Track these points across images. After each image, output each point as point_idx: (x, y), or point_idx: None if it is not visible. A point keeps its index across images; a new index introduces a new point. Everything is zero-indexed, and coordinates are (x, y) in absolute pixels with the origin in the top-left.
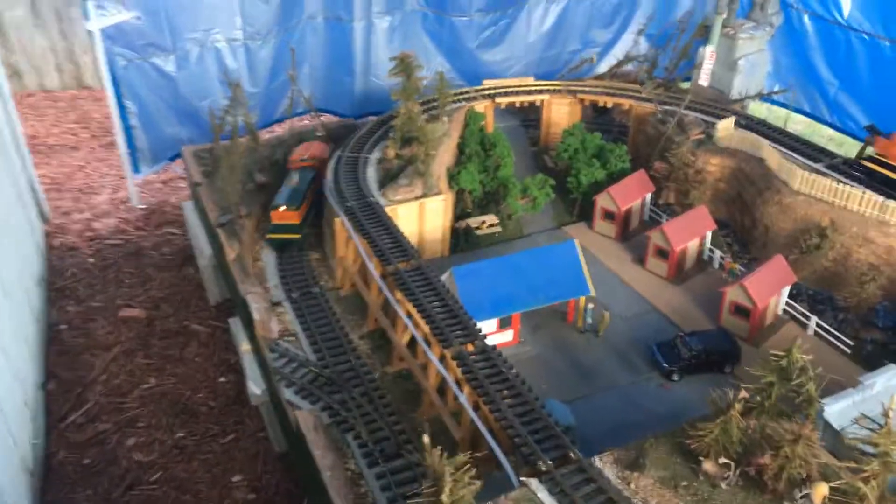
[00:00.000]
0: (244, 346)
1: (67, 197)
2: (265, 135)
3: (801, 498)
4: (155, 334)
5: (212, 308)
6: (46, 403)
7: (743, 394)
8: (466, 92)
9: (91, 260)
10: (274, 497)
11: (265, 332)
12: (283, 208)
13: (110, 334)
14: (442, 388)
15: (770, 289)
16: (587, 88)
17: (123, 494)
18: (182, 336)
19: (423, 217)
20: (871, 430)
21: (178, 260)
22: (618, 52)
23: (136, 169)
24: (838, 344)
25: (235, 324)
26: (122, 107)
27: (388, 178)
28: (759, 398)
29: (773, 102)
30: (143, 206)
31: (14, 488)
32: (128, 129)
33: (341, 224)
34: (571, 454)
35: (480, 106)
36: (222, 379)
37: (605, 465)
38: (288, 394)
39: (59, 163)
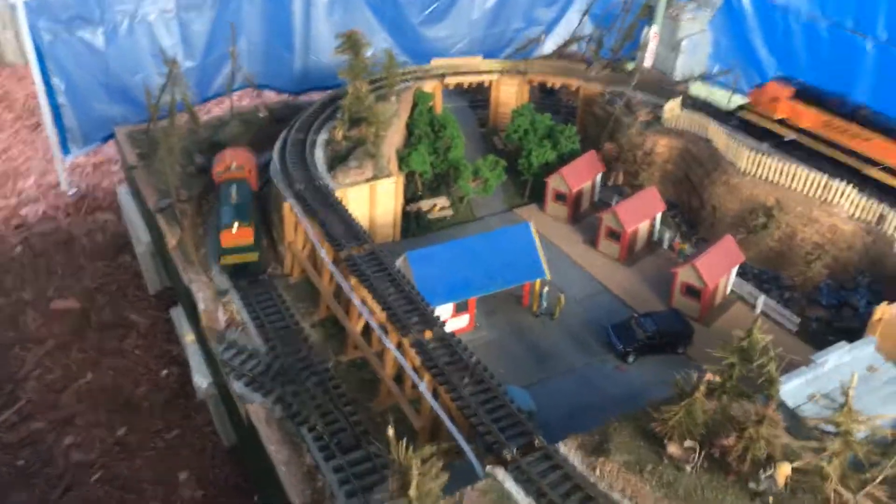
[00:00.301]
0: (188, 337)
1: None
2: (204, 115)
3: (766, 478)
4: (90, 326)
5: (151, 297)
6: None
7: (709, 376)
8: (414, 71)
9: (18, 249)
10: (223, 493)
11: (211, 322)
12: (235, 227)
13: (42, 327)
14: (399, 377)
15: (720, 269)
16: (535, 69)
17: (62, 496)
18: (120, 327)
19: (374, 200)
20: (831, 409)
21: (112, 247)
22: (563, 32)
23: (65, 150)
24: (785, 322)
25: (178, 314)
26: (48, 84)
27: (337, 160)
28: (720, 379)
29: (717, 83)
30: (74, 191)
31: None
32: (55, 108)
33: (290, 209)
34: (536, 441)
35: (429, 86)
36: (165, 372)
37: (570, 451)
38: (238, 386)
39: None
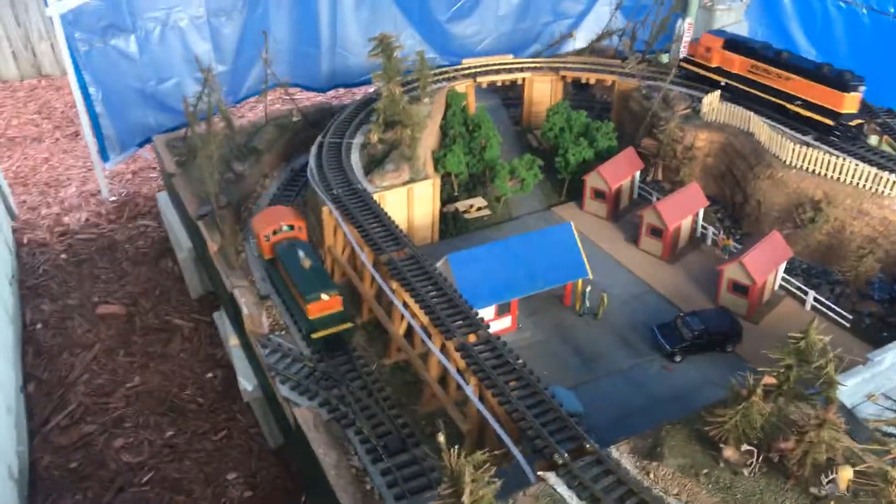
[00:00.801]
0: (232, 341)
1: (34, 191)
2: (237, 120)
3: (828, 483)
4: (135, 331)
5: (193, 302)
6: (27, 407)
7: (767, 379)
8: (446, 72)
9: (63, 256)
10: (271, 493)
11: (255, 326)
12: (324, 297)
13: (89, 332)
14: (444, 379)
15: (768, 265)
16: (569, 65)
17: (114, 498)
18: (164, 332)
19: (411, 202)
20: (892, 409)
21: (154, 253)
22: (594, 26)
23: (104, 157)
24: (836, 318)
25: (221, 318)
26: (85, 93)
27: (374, 163)
28: (776, 382)
29: None
30: (114, 199)
31: (1, 498)
32: (94, 117)
33: (329, 213)
34: (587, 445)
35: (461, 86)
36: (209, 375)
37: (622, 456)
38: (284, 390)
39: (22, 156)
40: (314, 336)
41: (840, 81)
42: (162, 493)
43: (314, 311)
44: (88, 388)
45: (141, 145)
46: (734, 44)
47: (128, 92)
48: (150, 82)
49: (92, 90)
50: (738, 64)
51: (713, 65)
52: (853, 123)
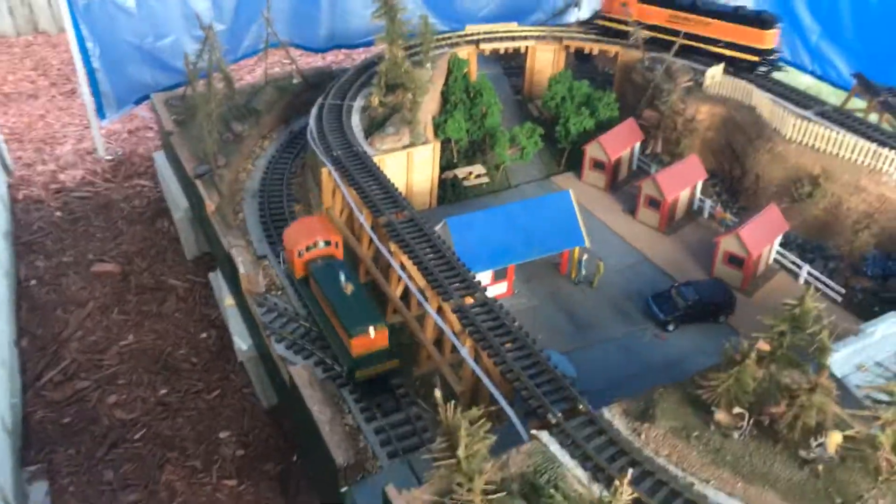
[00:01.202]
0: (228, 301)
1: (29, 148)
2: (238, 82)
3: (817, 446)
4: (130, 289)
5: (189, 262)
6: (21, 362)
7: (762, 344)
8: (449, 37)
9: (58, 213)
10: (263, 453)
11: (252, 286)
12: (371, 332)
13: (83, 290)
14: (439, 341)
15: (764, 238)
16: (573, 35)
17: (107, 453)
18: (159, 291)
19: (410, 167)
20: (882, 378)
21: (150, 213)
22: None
23: (101, 114)
24: (829, 292)
25: (216, 278)
26: (83, 49)
27: (374, 126)
28: (770, 347)
29: None
30: (110, 157)
31: None
32: (91, 73)
33: (328, 174)
34: (580, 406)
35: (464, 52)
36: (203, 335)
37: (615, 417)
38: (279, 349)
39: (18, 111)
40: (358, 376)
41: (760, 20)
42: (154, 450)
43: (359, 347)
44: (82, 345)
45: (138, 103)
46: None
47: (125, 48)
48: (148, 39)
49: (90, 45)
50: (656, 15)
51: (633, 19)
52: (773, 58)
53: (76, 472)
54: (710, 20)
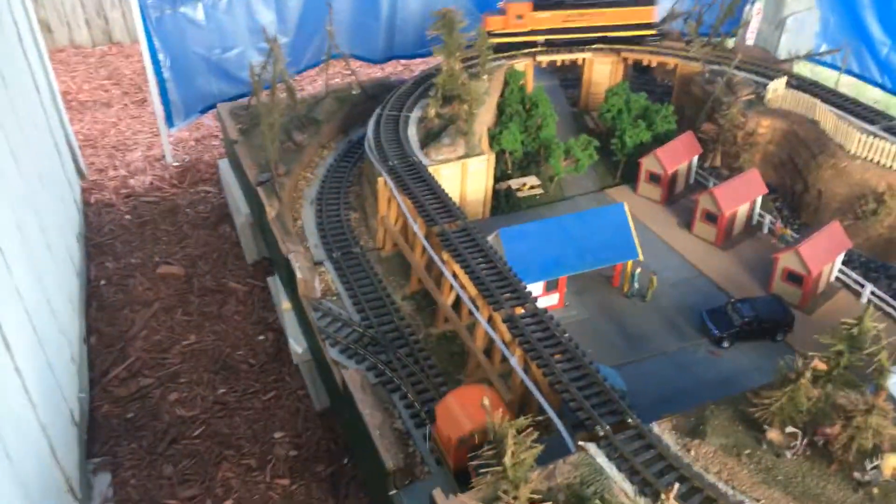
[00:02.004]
0: (284, 305)
1: (102, 154)
2: (300, 93)
3: (872, 469)
4: (193, 291)
5: (249, 266)
6: (89, 358)
7: (817, 363)
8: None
9: (128, 217)
10: (315, 454)
11: (308, 291)
12: None
13: (149, 290)
14: (489, 350)
15: (825, 255)
16: (631, 47)
17: (167, 448)
18: (220, 294)
19: (465, 177)
20: None
21: (213, 218)
22: (659, 9)
23: (170, 123)
24: (893, 313)
25: (275, 283)
26: (155, 60)
27: (430, 137)
28: (826, 367)
29: (822, 63)
30: (178, 164)
31: (64, 441)
32: (162, 83)
33: (384, 183)
34: (629, 419)
35: (520, 64)
36: (261, 337)
37: (664, 432)
38: (333, 353)
39: (92, 119)
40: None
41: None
42: (212, 447)
43: None
44: (147, 344)
45: (204, 112)
46: (543, 3)
47: (194, 59)
48: (216, 50)
49: (161, 56)
50: (552, 19)
51: (529, 29)
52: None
53: (138, 465)
54: (601, 10)
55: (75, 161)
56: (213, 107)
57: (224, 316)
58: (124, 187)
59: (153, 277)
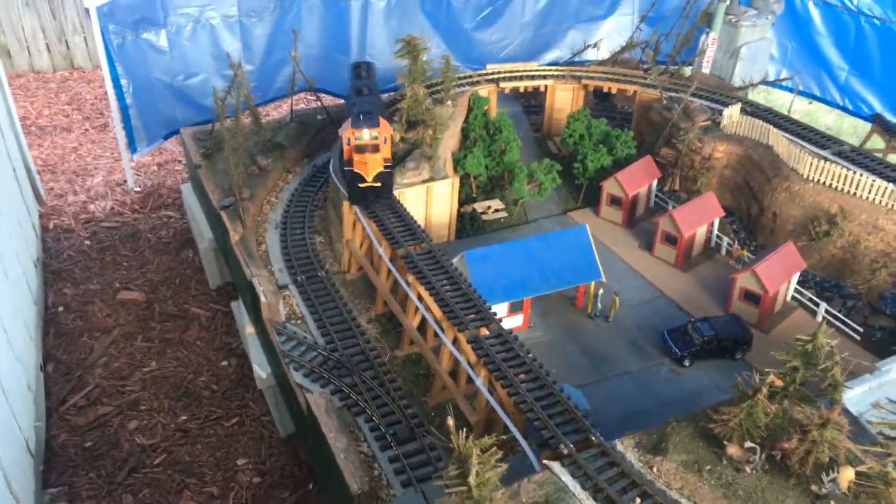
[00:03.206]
0: (248, 330)
1: (61, 179)
2: (265, 117)
3: (829, 482)
4: (154, 317)
5: (212, 292)
6: (46, 386)
7: (772, 378)
8: (469, 76)
9: (87, 242)
10: (280, 480)
11: (272, 315)
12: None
13: (109, 317)
14: (454, 372)
15: (780, 275)
16: (591, 74)
17: (126, 477)
18: (182, 319)
19: (429, 201)
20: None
21: (176, 243)
22: (617, 37)
23: (132, 148)
24: (847, 330)
25: (238, 307)
26: (117, 85)
27: (395, 161)
28: (782, 383)
29: (780, 87)
30: (139, 189)
31: (19, 471)
32: (124, 108)
33: (349, 207)
34: (593, 438)
35: (484, 90)
36: (224, 363)
37: (627, 449)
38: (297, 377)
39: (52, 144)
40: None
41: None
42: (173, 475)
43: None
44: (106, 371)
45: (167, 138)
46: None
47: (157, 85)
48: (179, 77)
49: (123, 82)
50: None
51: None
52: None
53: (96, 495)
54: None
55: (34, 186)
56: (176, 133)
57: (186, 342)
58: (84, 213)
59: (113, 304)
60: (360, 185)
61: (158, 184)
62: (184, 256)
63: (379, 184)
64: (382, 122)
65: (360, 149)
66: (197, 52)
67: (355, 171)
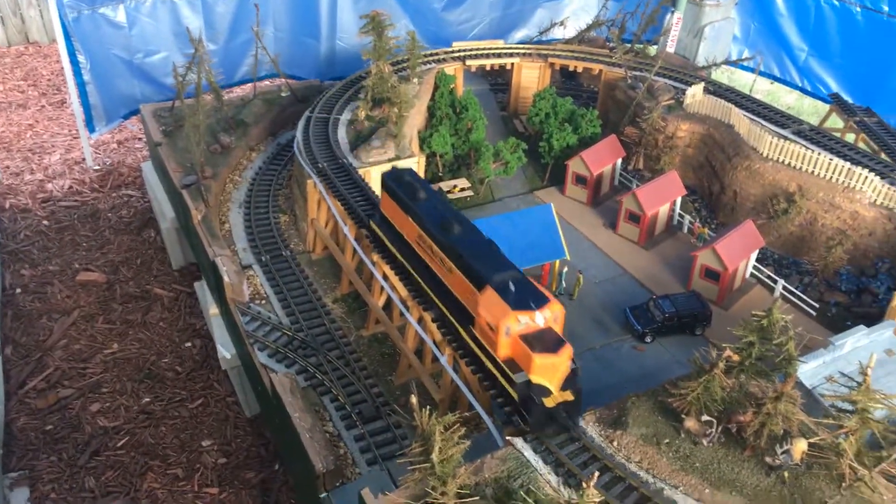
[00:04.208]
0: (212, 310)
1: (17, 157)
2: (227, 95)
3: (782, 453)
4: (115, 299)
5: (174, 272)
6: (4, 370)
7: (728, 353)
8: (436, 54)
9: (45, 222)
10: (245, 461)
11: (236, 295)
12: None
13: (68, 298)
14: (419, 350)
15: (740, 252)
16: (558, 52)
17: (89, 460)
18: (144, 300)
19: None
20: (849, 387)
21: (137, 222)
22: (584, 16)
23: (90, 127)
24: (804, 306)
25: (202, 288)
26: (74, 61)
27: (360, 139)
28: (738, 357)
29: (741, 67)
30: (98, 167)
31: None
32: (81, 85)
33: (313, 186)
34: None
35: (450, 68)
36: (188, 344)
37: (588, 424)
38: (262, 357)
39: (7, 121)
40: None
41: None
42: (137, 458)
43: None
44: (66, 353)
45: (126, 117)
46: None
47: (115, 62)
48: (139, 54)
49: (81, 58)
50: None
51: None
52: None
53: (58, 479)
54: None
55: None
56: (137, 112)
57: (149, 323)
58: (41, 192)
59: (72, 285)
60: (545, 400)
61: (118, 162)
62: (145, 236)
63: (571, 394)
64: (541, 289)
65: (534, 341)
66: (157, 28)
67: (535, 381)
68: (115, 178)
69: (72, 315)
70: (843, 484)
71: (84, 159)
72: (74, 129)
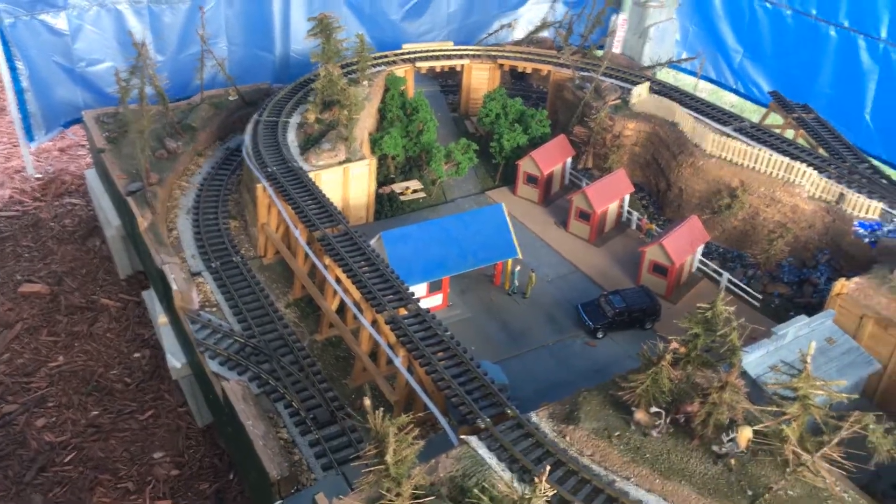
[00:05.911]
0: (161, 319)
1: None
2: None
3: (728, 441)
4: (60, 310)
5: (122, 282)
6: None
7: (674, 345)
8: (386, 56)
9: None
10: (199, 472)
11: (185, 302)
12: None
13: (10, 311)
14: (374, 353)
15: (686, 247)
16: (507, 54)
17: (35, 477)
18: (90, 311)
19: (347, 182)
20: (791, 375)
21: (81, 231)
22: (534, 18)
23: (29, 137)
24: (748, 298)
25: (150, 297)
26: (12, 68)
27: (310, 142)
28: (685, 349)
29: (681, 70)
30: (40, 176)
31: None
32: (20, 93)
33: (263, 190)
34: (508, 411)
35: (400, 70)
36: (137, 354)
37: (542, 420)
38: (213, 365)
39: None
40: None
41: None
42: (86, 472)
43: None
44: (9, 368)
45: (67, 126)
46: None
47: (56, 70)
48: (81, 63)
49: (19, 65)
50: None
51: None
52: None
53: (3, 496)
54: None
55: None
56: (78, 121)
57: (95, 334)
58: None
59: (14, 297)
60: None
61: (61, 170)
62: (90, 245)
63: None
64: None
65: None
66: (101, 37)
67: None
68: (57, 187)
69: (14, 328)
70: (788, 469)
71: (24, 168)
72: (14, 137)
